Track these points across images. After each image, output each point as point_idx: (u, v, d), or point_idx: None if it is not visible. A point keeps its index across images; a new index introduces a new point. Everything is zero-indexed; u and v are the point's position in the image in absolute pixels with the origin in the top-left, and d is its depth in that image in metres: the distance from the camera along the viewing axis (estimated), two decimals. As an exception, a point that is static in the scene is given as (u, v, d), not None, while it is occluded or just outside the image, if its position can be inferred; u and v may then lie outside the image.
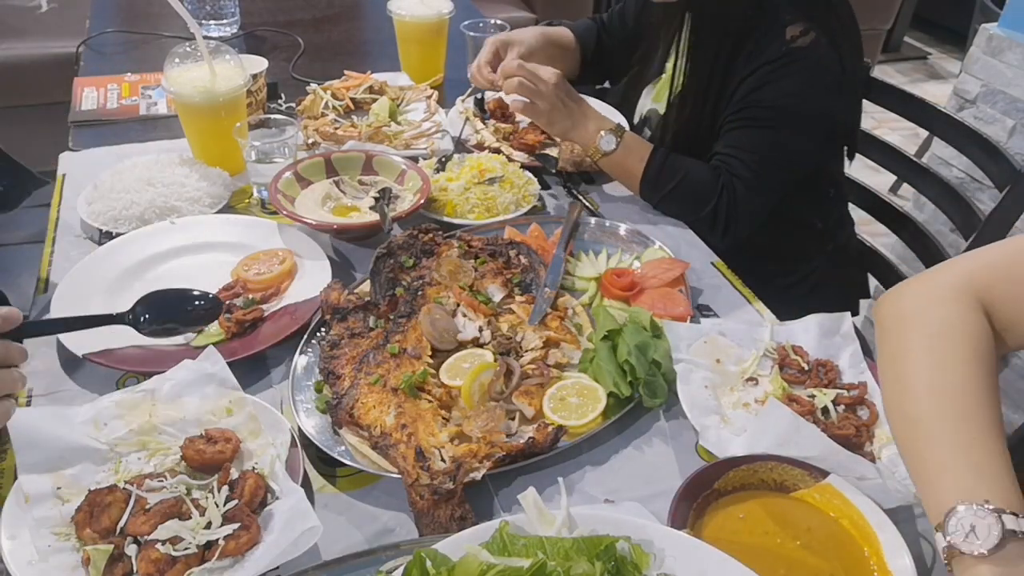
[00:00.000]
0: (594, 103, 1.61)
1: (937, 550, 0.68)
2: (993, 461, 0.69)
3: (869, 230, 1.85)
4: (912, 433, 0.75)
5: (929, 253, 1.62)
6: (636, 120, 1.74)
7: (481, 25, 1.94)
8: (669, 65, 1.62)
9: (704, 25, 1.46)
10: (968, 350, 0.77)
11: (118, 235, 1.32)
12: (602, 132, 1.47)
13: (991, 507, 0.65)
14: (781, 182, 1.47)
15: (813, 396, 1.05)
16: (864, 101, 1.76)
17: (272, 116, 1.46)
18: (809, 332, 1.15)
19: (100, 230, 1.36)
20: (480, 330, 1.12)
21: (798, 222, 1.62)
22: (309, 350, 1.12)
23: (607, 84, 1.95)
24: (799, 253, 1.67)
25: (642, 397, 1.05)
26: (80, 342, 1.08)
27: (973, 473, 0.69)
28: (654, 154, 1.46)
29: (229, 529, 0.83)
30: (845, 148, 1.63)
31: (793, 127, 1.42)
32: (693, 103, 1.50)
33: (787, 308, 1.27)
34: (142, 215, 1.36)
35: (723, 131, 1.47)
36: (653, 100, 1.68)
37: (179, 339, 1.14)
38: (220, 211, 1.42)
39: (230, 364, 1.03)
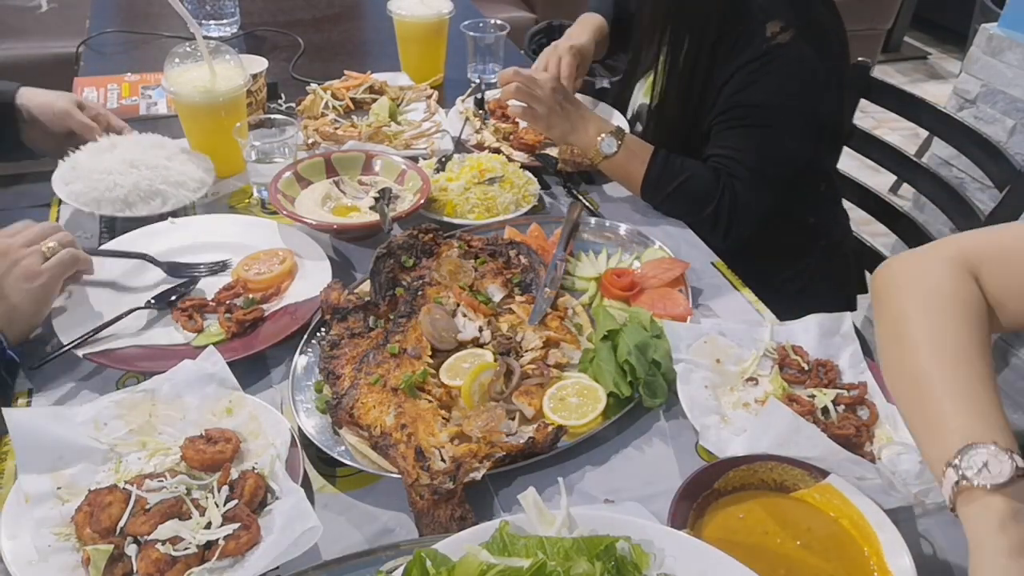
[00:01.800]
0: (591, 105, 1.61)
1: (942, 489, 0.72)
2: (995, 411, 0.74)
3: (869, 230, 1.85)
4: (915, 389, 0.79)
5: (929, 253, 1.61)
6: (629, 115, 1.74)
7: (481, 25, 1.94)
8: (661, 60, 1.62)
9: (682, 25, 1.47)
10: (962, 309, 0.81)
11: (118, 236, 1.31)
12: (602, 135, 1.47)
13: (1001, 447, 0.70)
14: (779, 179, 1.47)
15: (813, 396, 1.05)
16: (864, 101, 1.76)
17: (272, 116, 1.46)
18: (809, 332, 1.15)
19: (101, 231, 1.36)
20: (480, 330, 1.12)
21: (788, 217, 1.61)
22: (309, 350, 1.12)
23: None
24: (791, 249, 1.66)
25: (642, 397, 1.05)
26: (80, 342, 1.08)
27: (981, 419, 0.73)
28: (655, 156, 1.46)
29: (229, 529, 0.83)
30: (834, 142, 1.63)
31: (783, 124, 1.42)
32: (675, 101, 1.51)
33: (785, 306, 1.27)
34: (126, 198, 1.33)
35: (714, 132, 1.48)
36: (644, 95, 1.68)
37: (179, 339, 1.14)
38: (220, 211, 1.42)
39: (230, 364, 1.03)
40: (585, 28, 1.80)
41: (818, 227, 1.67)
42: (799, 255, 1.67)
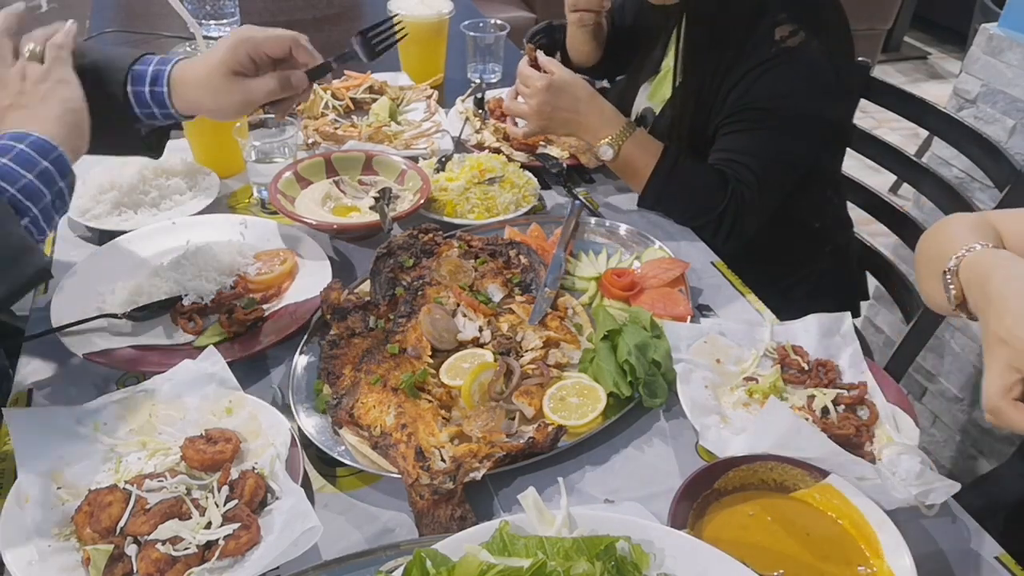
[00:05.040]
0: None
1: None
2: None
3: (869, 230, 1.85)
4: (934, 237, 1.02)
5: (929, 253, 1.61)
6: (633, 118, 1.73)
7: (481, 25, 1.94)
8: (666, 63, 1.61)
9: (702, 27, 1.46)
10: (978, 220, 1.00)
11: (119, 235, 1.31)
12: (601, 142, 1.43)
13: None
14: (783, 184, 1.47)
15: (813, 396, 1.05)
16: (864, 101, 1.76)
17: (272, 116, 1.46)
18: (809, 332, 1.15)
19: (101, 231, 1.36)
20: (480, 330, 1.12)
21: (796, 223, 1.61)
22: (309, 350, 1.12)
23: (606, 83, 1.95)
24: (798, 254, 1.66)
25: (642, 397, 1.05)
26: (80, 342, 1.08)
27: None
28: (665, 155, 1.44)
29: (229, 529, 0.83)
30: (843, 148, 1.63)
31: (790, 128, 1.42)
32: (691, 104, 1.50)
33: (787, 308, 1.27)
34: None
35: (721, 134, 1.47)
36: (648, 99, 1.68)
37: (179, 339, 1.14)
38: (220, 211, 1.41)
39: (230, 364, 1.03)
40: None
41: (824, 232, 1.67)
42: (806, 261, 1.67)
